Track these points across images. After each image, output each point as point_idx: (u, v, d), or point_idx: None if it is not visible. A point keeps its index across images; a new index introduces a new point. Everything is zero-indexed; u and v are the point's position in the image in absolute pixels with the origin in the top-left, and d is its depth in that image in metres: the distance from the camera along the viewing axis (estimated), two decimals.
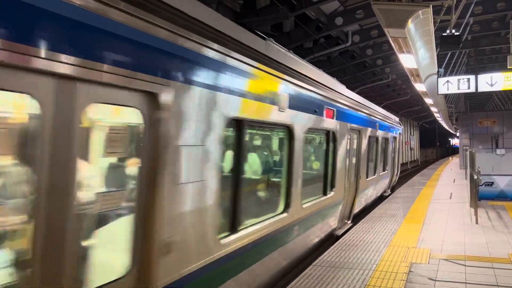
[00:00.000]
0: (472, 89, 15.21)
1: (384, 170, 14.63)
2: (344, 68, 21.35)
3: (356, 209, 10.62)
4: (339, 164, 8.21)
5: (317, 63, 18.04)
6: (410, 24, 7.33)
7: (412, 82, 15.21)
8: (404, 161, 48.92)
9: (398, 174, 19.40)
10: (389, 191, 16.57)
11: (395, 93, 32.71)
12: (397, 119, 18.53)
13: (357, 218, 10.69)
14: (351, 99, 9.46)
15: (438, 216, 10.37)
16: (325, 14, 15.14)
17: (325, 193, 7.67)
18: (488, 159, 13.62)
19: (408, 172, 40.54)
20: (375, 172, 12.83)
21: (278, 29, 15.67)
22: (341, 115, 8.30)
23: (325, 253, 6.89)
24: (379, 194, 14.50)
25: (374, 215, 10.59)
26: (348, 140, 9.11)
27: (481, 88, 15.16)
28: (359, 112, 10.15)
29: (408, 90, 31.04)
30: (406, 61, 10.76)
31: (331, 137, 7.85)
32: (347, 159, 9.12)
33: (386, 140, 14.70)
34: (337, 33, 16.60)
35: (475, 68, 22.45)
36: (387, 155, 15.15)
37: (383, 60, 22.17)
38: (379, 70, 23.92)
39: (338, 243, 7.64)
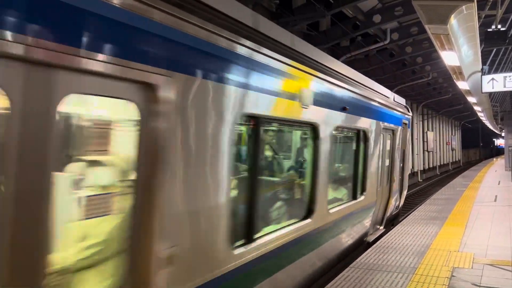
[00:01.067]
0: None
1: (356, 196, 7.20)
2: (383, 66, 20.94)
3: None
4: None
5: (354, 62, 17.81)
6: (453, 20, 7.06)
7: (454, 80, 14.69)
8: (445, 162, 47.45)
9: (405, 192, 11.44)
10: (381, 228, 9.37)
11: (436, 92, 31.75)
12: (401, 100, 11.06)
13: None
14: None
15: (482, 219, 9.96)
16: (363, 12, 14.88)
17: None
18: None
19: (449, 174, 39.31)
20: (310, 213, 5.36)
21: (315, 28, 15.54)
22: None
23: (362, 256, 6.77)
24: (342, 249, 6.90)
25: (413, 218, 10.31)
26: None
27: None
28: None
29: (449, 88, 30.07)
30: (448, 58, 10.40)
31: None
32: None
33: (363, 134, 7.42)
34: (375, 31, 16.28)
35: None
36: (368, 163, 7.68)
37: (423, 58, 21.54)
38: (419, 68, 23.27)
39: (376, 245, 7.49)
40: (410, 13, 13.61)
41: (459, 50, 9.54)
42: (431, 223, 9.54)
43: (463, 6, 6.67)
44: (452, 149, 53.09)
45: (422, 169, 35.94)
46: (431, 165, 40.32)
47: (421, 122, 37.23)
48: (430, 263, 6.33)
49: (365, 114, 7.48)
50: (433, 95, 32.36)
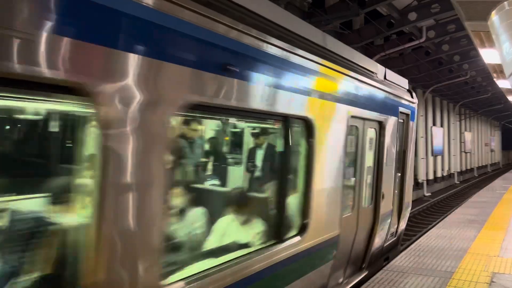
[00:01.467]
0: None
1: (281, 236, 3.92)
2: (418, 65, 20.43)
3: None
4: None
5: (388, 60, 17.47)
6: (494, 16, 6.81)
7: (494, 79, 14.17)
8: (483, 164, 45.82)
9: (408, 211, 8.03)
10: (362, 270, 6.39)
11: (474, 91, 30.67)
12: (398, 80, 7.48)
13: None
14: None
15: None
16: (397, 10, 14.57)
17: None
18: None
19: (488, 175, 37.91)
20: None
21: (348, 27, 15.34)
22: None
23: (397, 258, 6.64)
24: None
25: (449, 221, 10.02)
26: None
27: None
28: None
29: (488, 87, 29.01)
30: (488, 56, 10.05)
31: None
32: None
33: (305, 126, 4.22)
34: (410, 29, 15.91)
35: None
36: (314, 176, 4.31)
37: (460, 56, 20.87)
38: (456, 66, 22.57)
39: (411, 248, 7.32)
40: (447, 10, 13.21)
41: (500, 48, 9.18)
42: (468, 226, 9.24)
43: (505, 2, 6.43)
44: (491, 150, 51.18)
45: (459, 170, 34.85)
46: (468, 167, 39.02)
47: (458, 122, 36.07)
48: (468, 267, 6.13)
49: (303, 89, 4.15)
50: (471, 94, 31.28)
